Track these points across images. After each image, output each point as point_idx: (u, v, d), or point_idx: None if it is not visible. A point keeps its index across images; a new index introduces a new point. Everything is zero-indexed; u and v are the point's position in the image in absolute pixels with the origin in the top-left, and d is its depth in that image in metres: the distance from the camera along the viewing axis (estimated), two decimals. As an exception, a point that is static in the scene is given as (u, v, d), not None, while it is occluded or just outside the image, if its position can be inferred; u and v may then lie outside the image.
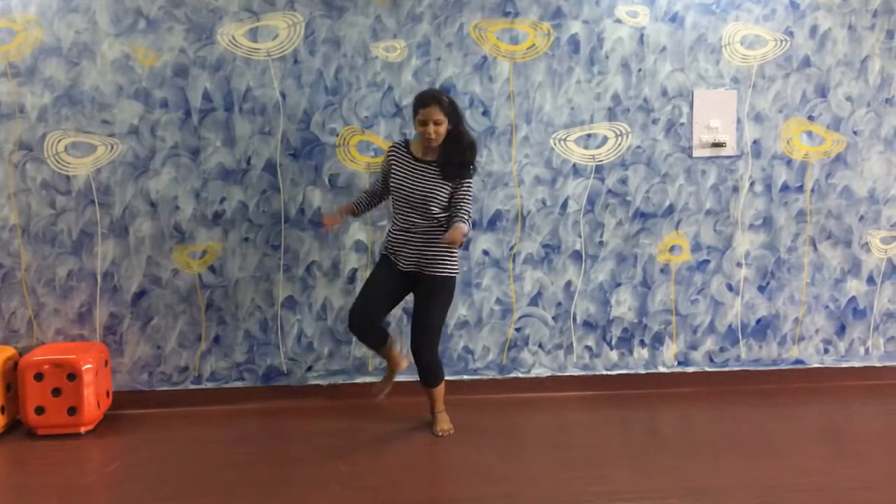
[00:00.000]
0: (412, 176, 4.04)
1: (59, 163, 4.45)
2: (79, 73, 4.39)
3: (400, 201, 4.07)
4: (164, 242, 4.54)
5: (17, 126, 4.40)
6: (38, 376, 4.18)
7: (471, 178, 4.05)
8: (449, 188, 4.02)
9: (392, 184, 4.09)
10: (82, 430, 4.25)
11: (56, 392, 4.20)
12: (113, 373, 4.56)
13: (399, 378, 4.61)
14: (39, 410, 4.20)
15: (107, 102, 4.42)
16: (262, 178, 4.54)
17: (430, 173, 4.02)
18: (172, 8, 4.39)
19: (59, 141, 4.43)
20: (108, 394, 4.45)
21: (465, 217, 3.97)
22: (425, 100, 3.98)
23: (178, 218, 4.53)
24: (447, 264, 4.08)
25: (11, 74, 4.36)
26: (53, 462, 3.96)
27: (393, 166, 4.10)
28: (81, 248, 4.50)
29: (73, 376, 4.19)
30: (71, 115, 4.41)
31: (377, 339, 4.24)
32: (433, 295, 4.10)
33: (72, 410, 4.21)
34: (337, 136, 4.53)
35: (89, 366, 4.23)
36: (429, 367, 4.14)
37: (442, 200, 4.01)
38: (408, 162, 4.08)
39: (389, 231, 4.19)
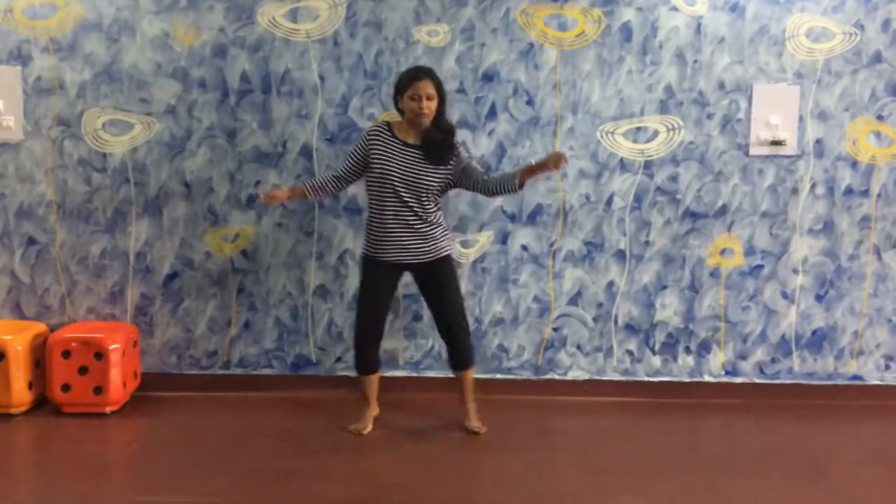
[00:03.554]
0: (402, 160, 3.85)
1: (96, 140, 4.42)
2: (118, 49, 4.36)
3: (387, 188, 3.86)
4: (198, 224, 4.48)
5: (56, 102, 4.39)
6: (66, 353, 4.16)
7: (460, 154, 3.93)
8: (439, 173, 3.87)
9: (377, 170, 3.87)
10: (108, 409, 4.23)
11: (83, 370, 4.17)
12: (142, 354, 4.52)
13: (429, 373, 4.52)
14: (66, 388, 4.18)
15: (145, 80, 4.39)
16: (298, 163, 4.44)
17: (419, 158, 3.86)
18: (213, -14, 4.35)
19: (98, 118, 4.40)
20: (135, 375, 4.42)
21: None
22: (417, 74, 3.85)
23: (212, 200, 4.47)
24: (445, 243, 3.96)
25: (53, 50, 4.35)
26: (74, 440, 3.93)
27: (376, 150, 3.89)
28: (115, 227, 4.48)
29: (101, 355, 4.16)
30: (109, 92, 4.39)
31: (375, 363, 4.09)
32: (447, 278, 3.98)
33: (98, 390, 4.18)
34: (375, 121, 4.41)
35: (116, 346, 4.19)
36: (468, 349, 4.06)
37: (433, 186, 3.87)
38: (394, 146, 3.88)
39: (372, 226, 3.94)
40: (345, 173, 4.01)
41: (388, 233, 3.89)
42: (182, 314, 4.55)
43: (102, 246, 4.49)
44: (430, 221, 3.91)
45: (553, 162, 3.79)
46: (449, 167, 3.90)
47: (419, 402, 4.40)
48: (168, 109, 4.40)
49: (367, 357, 4.05)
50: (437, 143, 3.86)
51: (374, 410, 4.15)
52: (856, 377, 4.60)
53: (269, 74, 4.39)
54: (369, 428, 4.08)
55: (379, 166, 3.87)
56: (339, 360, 4.58)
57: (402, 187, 3.84)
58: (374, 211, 3.94)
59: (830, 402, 4.55)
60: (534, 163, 3.91)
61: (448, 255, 4.00)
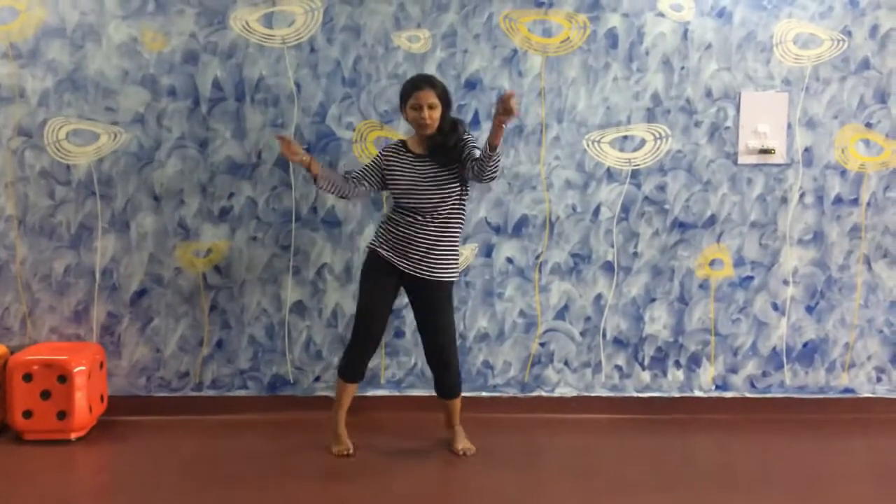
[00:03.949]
0: (414, 174, 3.75)
1: (59, 151, 4.20)
2: (83, 56, 4.15)
3: (406, 204, 3.76)
4: (168, 239, 4.27)
5: (16, 111, 4.16)
6: (27, 377, 3.92)
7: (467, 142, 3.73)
8: (451, 175, 3.73)
9: (394, 188, 3.79)
10: (73, 436, 3.98)
11: (45, 395, 3.93)
12: (109, 376, 4.29)
13: (412, 392, 4.35)
14: (27, 414, 3.93)
15: (111, 88, 4.18)
16: (273, 174, 4.26)
17: (430, 166, 3.74)
18: (183, -10, 4.16)
19: (61, 128, 4.18)
20: (102, 398, 4.17)
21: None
22: (418, 83, 3.73)
23: (183, 213, 4.26)
24: (451, 268, 3.80)
25: (13, 56, 4.13)
26: (37, 470, 3.69)
27: (390, 169, 3.81)
28: (80, 243, 4.25)
29: (64, 378, 3.92)
30: (73, 100, 4.17)
31: (362, 372, 3.90)
32: (443, 303, 3.83)
33: (62, 415, 3.94)
34: (354, 130, 4.24)
35: (82, 367, 3.96)
36: (457, 378, 3.90)
37: (449, 192, 3.72)
38: (406, 161, 3.79)
39: (388, 224, 3.82)
40: (357, 179, 3.86)
41: (397, 236, 3.76)
42: (151, 333, 4.32)
43: (66, 262, 4.26)
44: (442, 241, 3.75)
45: (503, 107, 3.44)
46: (456, 165, 3.74)
47: (402, 422, 4.21)
48: (136, 118, 4.20)
49: (356, 362, 3.87)
50: (442, 146, 3.72)
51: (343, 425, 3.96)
52: (847, 390, 4.50)
53: (242, 82, 4.20)
54: (351, 446, 3.88)
55: (396, 185, 3.77)
56: (317, 379, 4.38)
57: (420, 201, 3.72)
58: (392, 213, 3.83)
59: (823, 416, 4.45)
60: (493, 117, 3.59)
61: (449, 283, 3.83)
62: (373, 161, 3.91)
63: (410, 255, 3.75)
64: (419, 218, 3.74)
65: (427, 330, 3.85)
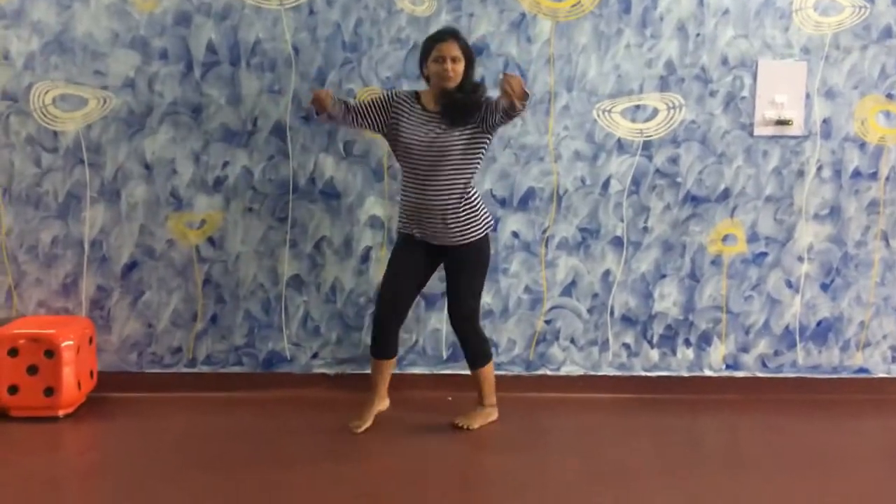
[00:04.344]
0: (423, 129, 3.58)
1: (45, 116, 4.01)
2: (70, 16, 3.95)
3: (411, 160, 3.60)
4: (160, 209, 4.10)
5: (1, 74, 3.97)
6: (13, 352, 3.76)
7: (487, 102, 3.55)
8: (464, 137, 3.55)
9: (403, 140, 3.61)
10: (60, 413, 3.84)
11: (32, 370, 3.78)
12: (99, 351, 4.13)
13: (413, 370, 4.21)
14: (13, 390, 3.79)
15: (100, 51, 3.98)
16: (270, 143, 4.08)
17: (441, 124, 3.57)
18: (176, -53, 3.96)
19: (47, 92, 3.99)
20: (91, 374, 4.03)
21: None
22: (441, 34, 3.60)
23: (176, 183, 4.08)
24: (475, 225, 3.64)
25: (-4, 16, 3.96)
26: (23, 449, 3.55)
27: (401, 117, 3.63)
28: (68, 213, 4.08)
29: (52, 353, 3.77)
30: (60, 63, 3.98)
31: (393, 347, 3.79)
32: (467, 263, 3.69)
33: (49, 391, 3.79)
34: (354, 97, 4.05)
35: (70, 342, 3.81)
36: (477, 341, 3.81)
37: (458, 153, 3.56)
38: (417, 114, 3.62)
39: (404, 201, 3.69)
40: (358, 112, 3.66)
41: (414, 209, 3.62)
42: (142, 308, 4.16)
43: (54, 233, 4.09)
44: (457, 202, 3.59)
45: (506, 88, 3.31)
46: (471, 129, 3.57)
47: (402, 401, 4.04)
48: (126, 83, 4.01)
49: (383, 337, 3.73)
50: (458, 104, 3.55)
51: (378, 405, 3.83)
52: (862, 370, 4.37)
53: (237, 45, 4.01)
54: (368, 424, 3.76)
55: (402, 136, 3.60)
56: (315, 356, 4.23)
57: (426, 159, 3.57)
58: (403, 183, 3.68)
59: (836, 396, 4.32)
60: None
61: (476, 242, 3.66)
62: (381, 99, 3.71)
63: (430, 224, 3.61)
64: (431, 180, 3.57)
65: (450, 291, 3.75)
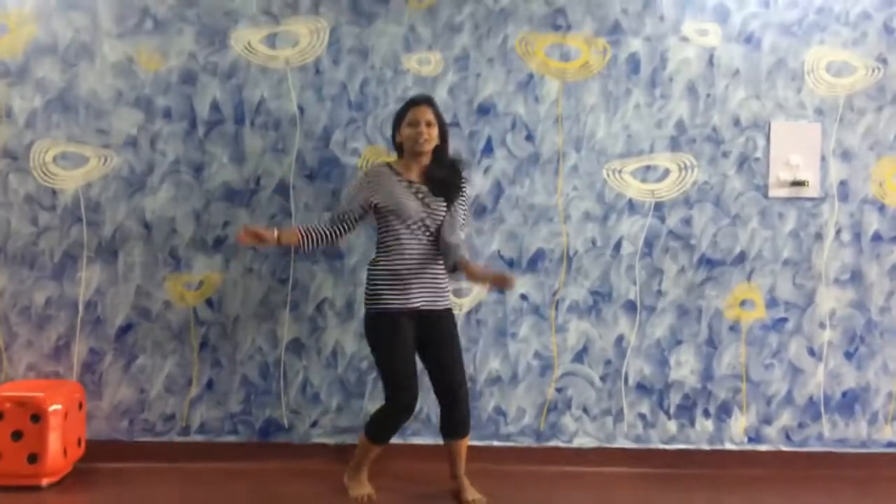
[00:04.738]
0: (411, 198, 3.49)
1: (45, 174, 3.95)
2: (75, 75, 3.94)
3: (398, 228, 3.48)
4: (158, 270, 3.99)
5: (2, 131, 3.93)
6: (-2, 415, 3.61)
7: (464, 196, 3.58)
8: (444, 205, 3.54)
9: (386, 210, 3.49)
10: (44, 482, 3.64)
11: (16, 435, 3.60)
12: (88, 418, 3.96)
13: (416, 440, 4.01)
14: (-5, 456, 3.62)
15: (103, 109, 3.95)
16: (273, 201, 4.00)
17: (427, 193, 3.52)
18: (183, 8, 3.95)
19: (48, 150, 3.94)
20: (79, 442, 3.83)
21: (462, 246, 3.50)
22: (415, 99, 3.57)
23: (175, 242, 3.99)
24: (448, 294, 3.63)
25: (0, 74, 3.92)
26: (0, 519, 3.36)
27: (381, 190, 3.51)
28: (63, 273, 3.97)
29: (38, 418, 3.59)
30: (63, 121, 3.94)
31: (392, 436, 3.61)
32: (452, 331, 3.59)
33: (33, 458, 3.61)
34: (359, 156, 4.00)
35: (57, 406, 3.64)
36: (467, 413, 3.59)
37: (439, 221, 3.53)
38: (399, 184, 3.52)
39: (381, 272, 3.50)
40: (343, 218, 3.58)
41: (400, 276, 3.47)
42: (136, 372, 4.00)
43: (48, 294, 3.97)
44: (436, 266, 3.54)
45: (495, 281, 3.44)
46: (453, 206, 3.55)
47: (407, 473, 3.84)
48: (128, 141, 3.96)
49: (391, 427, 3.53)
50: (442, 179, 3.52)
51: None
52: (891, 444, 4.12)
53: (242, 103, 3.98)
54: (373, 491, 3.61)
55: (387, 206, 3.48)
56: (314, 424, 4.04)
57: (415, 226, 3.48)
58: (383, 255, 3.52)
59: (865, 472, 4.07)
60: (480, 272, 3.47)
61: (450, 311, 3.62)
62: (356, 190, 3.60)
63: (420, 287, 3.48)
64: (413, 246, 3.49)
65: (438, 362, 3.55)
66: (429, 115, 3.50)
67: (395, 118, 3.61)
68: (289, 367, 4.04)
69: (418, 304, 3.50)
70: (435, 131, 3.51)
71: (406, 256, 3.49)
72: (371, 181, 3.56)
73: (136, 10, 3.95)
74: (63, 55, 3.94)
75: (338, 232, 3.60)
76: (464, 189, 3.59)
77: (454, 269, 3.44)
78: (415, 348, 3.56)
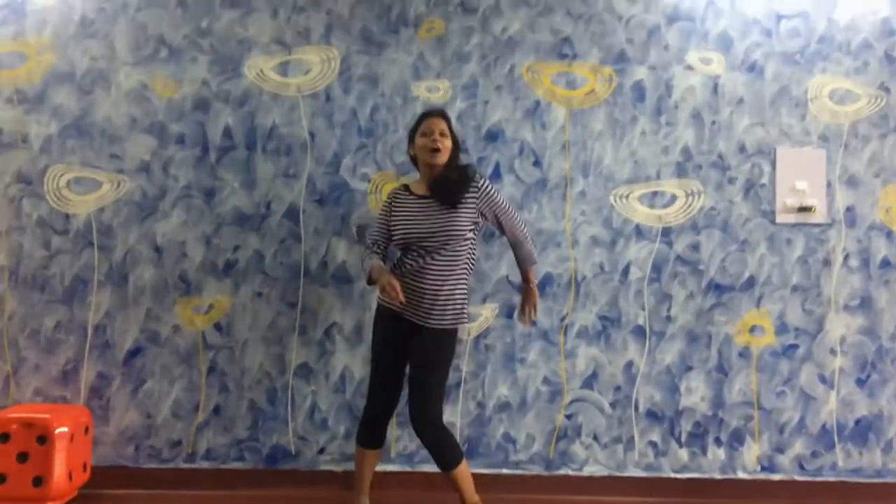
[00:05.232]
0: (417, 214, 3.44)
1: (58, 199, 4.00)
2: (90, 102, 4.01)
3: (407, 243, 3.44)
4: (167, 294, 4.00)
5: (17, 156, 4.00)
6: (4, 437, 3.56)
7: (486, 189, 3.50)
8: (458, 218, 3.41)
9: (397, 231, 3.46)
10: (49, 506, 3.63)
11: (22, 457, 3.57)
12: (94, 444, 3.93)
13: (424, 467, 3.94)
14: (1, 479, 3.56)
15: (118, 135, 4.01)
16: (283, 226, 4.02)
17: (434, 206, 3.44)
18: (198, 37, 4.04)
19: (62, 175, 4.00)
20: (84, 467, 3.79)
21: (532, 250, 3.62)
22: (428, 112, 3.57)
23: (185, 266, 4.01)
24: (457, 314, 3.45)
25: (18, 101, 4.00)
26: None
27: (394, 211, 3.51)
28: (73, 297, 3.98)
29: (44, 440, 3.57)
30: (77, 147, 4.01)
31: (377, 440, 3.52)
32: (433, 350, 3.41)
33: (38, 481, 3.57)
34: (369, 182, 4.04)
35: (64, 429, 3.61)
36: (436, 442, 3.37)
37: (453, 234, 3.39)
38: (409, 202, 3.50)
39: (394, 273, 3.47)
40: (377, 244, 3.57)
41: (403, 284, 3.38)
42: (143, 397, 3.99)
43: (57, 318, 3.98)
44: (448, 284, 3.41)
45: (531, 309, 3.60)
46: (467, 209, 3.43)
47: (414, 501, 3.80)
48: (141, 166, 4.01)
49: (372, 425, 3.48)
50: (448, 184, 3.44)
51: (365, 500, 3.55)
52: (907, 474, 4.08)
53: (254, 130, 4.03)
54: None
55: (397, 227, 3.47)
56: (322, 451, 3.99)
57: (421, 241, 3.40)
58: (397, 262, 3.50)
59: (879, 502, 3.98)
60: (529, 292, 3.60)
61: (446, 332, 3.44)
62: (381, 212, 3.61)
63: (417, 303, 3.40)
64: (422, 260, 3.41)
65: (412, 381, 3.42)
66: (442, 125, 3.50)
67: (409, 132, 3.62)
68: (297, 392, 4.01)
69: (416, 319, 3.43)
70: (448, 142, 3.49)
71: (408, 268, 3.43)
72: (387, 206, 3.57)
73: (152, 39, 4.04)
74: (80, 83, 4.02)
75: (381, 251, 3.58)
76: (489, 190, 3.50)
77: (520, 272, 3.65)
78: (399, 352, 3.47)
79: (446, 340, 3.46)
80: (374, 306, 3.94)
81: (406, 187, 3.59)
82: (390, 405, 3.50)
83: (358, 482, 3.54)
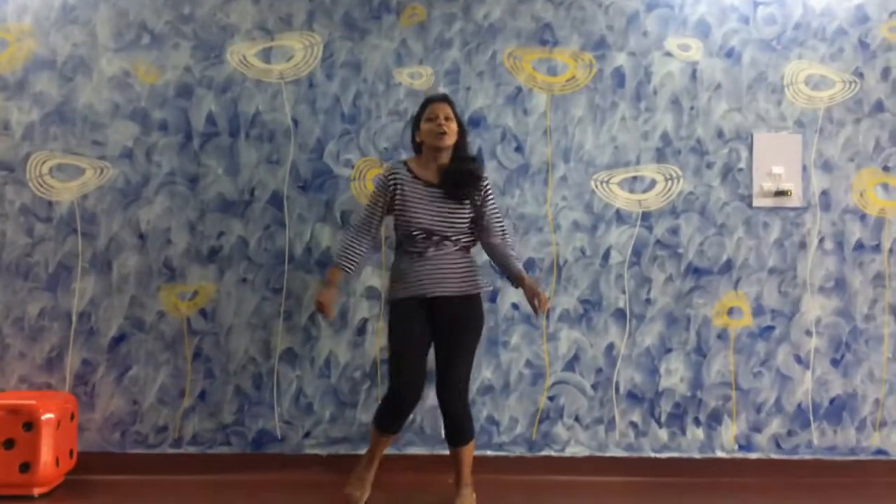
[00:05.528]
0: (429, 204, 3.47)
1: (41, 186, 3.99)
2: (72, 89, 4.00)
3: (418, 233, 3.46)
4: (152, 280, 4.01)
5: (-1, 144, 4.01)
6: (-11, 424, 3.60)
7: (487, 188, 3.55)
8: (465, 211, 3.49)
9: (405, 218, 3.48)
10: (35, 492, 3.62)
11: (8, 444, 3.58)
12: (80, 430, 3.94)
13: (411, 450, 4.00)
14: (-14, 465, 3.59)
15: (100, 122, 4.01)
16: (266, 212, 4.04)
17: (443, 197, 3.49)
18: (180, 24, 4.03)
19: (44, 162, 3.99)
20: (71, 453, 3.81)
21: (514, 252, 3.63)
22: (433, 97, 3.59)
23: (169, 253, 4.02)
24: (478, 278, 3.56)
25: (-1, 88, 4.01)
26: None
27: (400, 195, 3.50)
28: (57, 284, 3.99)
29: (30, 426, 3.58)
30: (60, 133, 4.00)
31: (401, 425, 3.56)
32: (463, 322, 3.49)
33: (24, 467, 3.59)
34: (352, 168, 4.06)
35: (50, 416, 3.62)
36: (462, 416, 3.51)
37: (462, 226, 3.49)
38: (416, 188, 3.50)
39: (403, 269, 3.50)
40: (370, 224, 3.57)
41: (419, 268, 3.46)
42: (128, 383, 4.00)
43: (41, 305, 3.98)
44: (462, 259, 3.52)
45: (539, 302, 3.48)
46: (472, 205, 3.51)
47: (402, 483, 3.83)
48: (124, 153, 4.01)
49: (401, 413, 3.50)
50: (457, 173, 3.48)
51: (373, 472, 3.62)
52: (880, 451, 4.16)
53: (237, 116, 4.04)
54: (367, 494, 3.55)
55: (406, 214, 3.48)
56: (307, 435, 4.03)
57: (437, 231, 3.46)
58: (402, 252, 3.54)
59: (855, 479, 4.09)
60: (529, 289, 3.51)
61: (475, 300, 3.53)
62: (376, 195, 3.58)
63: (438, 277, 3.45)
64: (432, 245, 3.47)
65: (440, 354, 3.50)
66: (447, 109, 3.50)
67: (413, 119, 3.62)
68: (282, 377, 4.04)
69: (432, 291, 3.45)
70: (454, 126, 3.50)
71: (414, 257, 3.48)
72: (389, 185, 3.54)
73: (134, 25, 4.03)
74: (61, 69, 4.01)
75: (370, 240, 3.59)
76: (488, 190, 3.56)
77: (511, 279, 3.59)
78: (425, 337, 3.51)
79: (477, 309, 3.56)
80: (358, 292, 4.02)
81: (407, 168, 3.57)
82: (419, 392, 3.51)
83: (368, 461, 3.59)
